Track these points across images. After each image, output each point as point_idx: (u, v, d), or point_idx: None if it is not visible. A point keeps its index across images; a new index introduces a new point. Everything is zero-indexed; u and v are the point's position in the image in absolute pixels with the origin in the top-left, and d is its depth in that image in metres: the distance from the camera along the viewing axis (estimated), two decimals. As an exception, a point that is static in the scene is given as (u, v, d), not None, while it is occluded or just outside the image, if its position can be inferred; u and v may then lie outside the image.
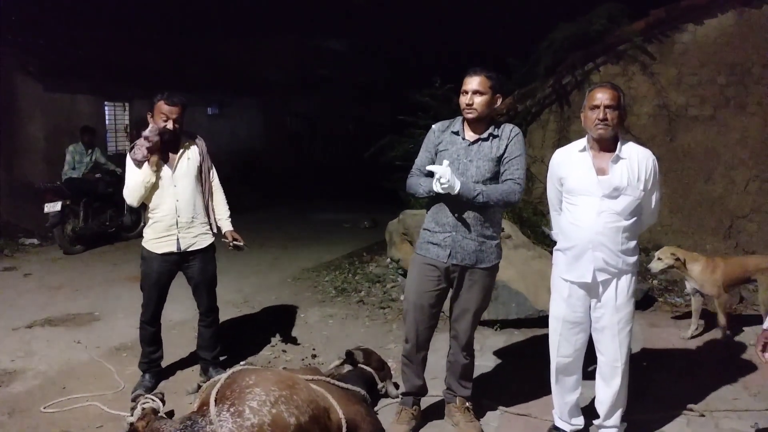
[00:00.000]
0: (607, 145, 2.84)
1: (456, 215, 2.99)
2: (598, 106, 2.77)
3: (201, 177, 3.72)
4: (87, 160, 8.10)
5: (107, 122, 11.05)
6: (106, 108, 11.03)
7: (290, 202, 13.20)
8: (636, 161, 2.83)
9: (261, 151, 15.45)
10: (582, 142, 2.93)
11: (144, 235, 3.73)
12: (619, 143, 2.84)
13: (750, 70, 6.21)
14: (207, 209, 3.77)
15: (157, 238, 3.64)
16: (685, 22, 6.43)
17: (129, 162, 3.58)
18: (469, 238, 3.00)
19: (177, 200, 3.61)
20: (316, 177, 16.05)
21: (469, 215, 2.98)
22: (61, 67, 9.92)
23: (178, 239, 3.63)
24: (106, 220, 8.25)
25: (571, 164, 2.92)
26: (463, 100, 2.97)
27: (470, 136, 3.03)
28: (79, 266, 7.09)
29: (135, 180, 3.52)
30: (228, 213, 3.90)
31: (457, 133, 3.06)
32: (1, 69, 9.19)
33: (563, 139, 6.55)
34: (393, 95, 9.92)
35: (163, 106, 3.47)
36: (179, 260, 3.68)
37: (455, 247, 3.01)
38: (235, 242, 3.83)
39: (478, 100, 2.95)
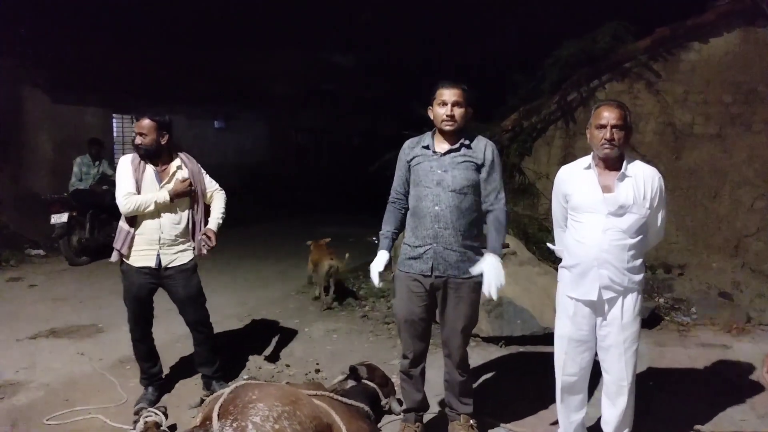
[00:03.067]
0: (612, 163, 2.84)
1: (436, 226, 2.99)
2: (604, 126, 2.76)
3: (189, 198, 3.70)
4: (94, 172, 8.14)
5: (115, 134, 11.14)
6: (114, 120, 11.13)
7: (296, 215, 13.22)
8: (642, 179, 2.82)
9: (267, 164, 15.52)
10: (587, 159, 2.93)
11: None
12: (625, 161, 2.83)
13: (756, 89, 6.21)
14: (192, 230, 3.73)
15: (137, 252, 3.61)
16: (691, 41, 6.45)
17: (126, 169, 3.60)
18: (450, 249, 3.00)
19: (161, 217, 3.60)
20: (321, 190, 16.09)
21: (449, 226, 2.99)
22: (69, 79, 10.00)
23: (158, 255, 3.61)
24: (112, 232, 8.25)
25: (576, 181, 2.92)
26: (443, 111, 2.98)
27: (441, 148, 3.05)
28: (84, 278, 7.10)
29: (146, 200, 3.53)
30: (219, 215, 3.78)
31: (427, 147, 3.08)
32: (10, 81, 9.28)
33: (569, 155, 6.56)
34: (398, 109, 9.96)
35: (137, 124, 3.58)
36: (158, 275, 3.65)
37: (437, 258, 3.00)
38: (205, 237, 3.64)
39: (459, 111, 2.98)
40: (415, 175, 3.09)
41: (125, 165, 3.63)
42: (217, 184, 3.89)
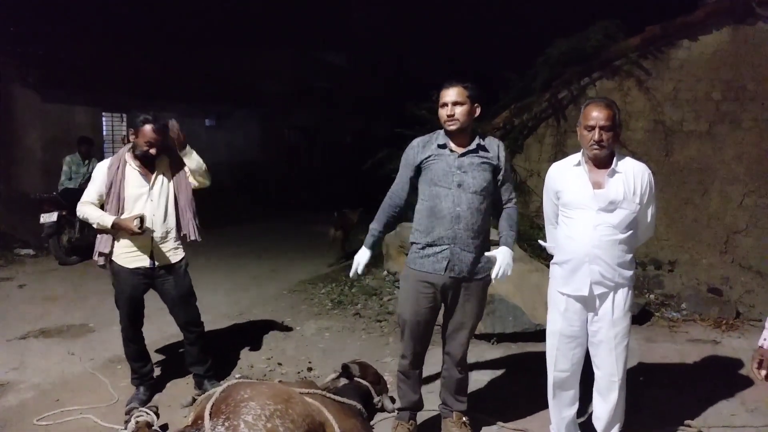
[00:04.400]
0: (602, 160, 2.85)
1: (456, 227, 2.99)
2: (593, 127, 2.77)
3: (175, 192, 3.68)
4: (84, 171, 8.08)
5: (104, 133, 11.08)
6: (104, 119, 11.06)
7: (288, 214, 13.19)
8: (632, 175, 2.84)
9: (259, 163, 15.47)
10: (577, 156, 2.94)
11: (114, 248, 3.63)
12: (615, 158, 2.85)
13: (745, 87, 6.25)
14: (179, 225, 3.70)
15: (128, 253, 3.59)
16: (681, 39, 6.48)
17: (98, 177, 3.57)
18: (467, 250, 3.00)
19: (153, 215, 3.58)
20: (314, 188, 16.07)
21: (468, 227, 2.99)
22: (59, 77, 9.95)
23: (152, 254, 3.60)
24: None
25: (566, 178, 2.93)
26: (444, 112, 2.99)
27: (458, 148, 3.03)
28: (74, 277, 7.05)
29: (93, 216, 3.54)
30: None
31: (443, 146, 3.04)
32: (0, 80, 9.21)
33: (559, 153, 6.58)
34: (391, 108, 9.99)
35: (149, 132, 3.47)
36: (151, 274, 3.63)
37: (453, 259, 3.00)
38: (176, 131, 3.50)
39: (460, 110, 2.96)
40: (430, 174, 3.04)
41: (99, 173, 3.60)
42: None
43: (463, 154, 3.01)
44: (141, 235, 3.48)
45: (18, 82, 9.41)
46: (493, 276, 3.02)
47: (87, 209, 3.58)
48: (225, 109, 14.49)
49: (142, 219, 3.47)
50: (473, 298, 3.08)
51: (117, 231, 3.54)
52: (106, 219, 3.51)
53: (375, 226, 3.20)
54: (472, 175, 2.99)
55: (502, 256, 3.02)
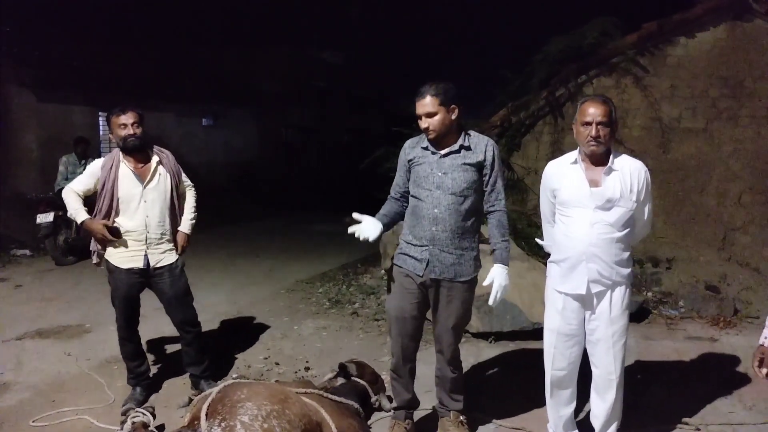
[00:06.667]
0: (599, 157, 2.84)
1: (433, 229, 2.98)
2: (590, 123, 2.76)
3: (171, 192, 3.67)
4: (80, 171, 7.98)
5: (101, 133, 11.04)
6: (101, 119, 11.02)
7: (285, 212, 13.18)
8: (628, 173, 2.83)
9: (256, 162, 15.46)
10: (574, 154, 2.92)
11: (109, 248, 3.62)
12: (611, 155, 2.84)
13: (742, 83, 6.25)
14: (174, 226, 3.71)
15: (123, 253, 3.58)
16: (678, 36, 6.48)
17: (91, 172, 3.62)
18: (446, 252, 2.99)
19: (147, 216, 3.57)
20: (311, 188, 16.06)
21: (447, 229, 2.97)
22: (55, 78, 9.92)
23: (146, 255, 3.58)
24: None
25: (563, 176, 2.92)
26: (421, 124, 2.97)
27: (441, 149, 3.02)
28: (70, 278, 7.04)
29: (71, 206, 3.57)
30: (191, 216, 3.84)
31: (426, 148, 3.05)
32: (-4, 80, 9.19)
33: (557, 150, 6.57)
34: (388, 106, 9.99)
35: (118, 119, 3.50)
36: (146, 274, 3.63)
37: (432, 260, 2.99)
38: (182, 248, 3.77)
39: (432, 121, 2.93)
40: (414, 175, 3.06)
41: (94, 169, 3.62)
42: (188, 180, 3.89)
43: (445, 155, 3.00)
44: (115, 240, 3.53)
45: (14, 82, 9.39)
46: (490, 303, 3.00)
47: (70, 197, 3.58)
48: (222, 109, 14.47)
49: (117, 232, 3.52)
50: (457, 299, 3.06)
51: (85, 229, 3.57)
52: (79, 215, 3.54)
53: (380, 213, 3.17)
54: (452, 177, 2.97)
55: (497, 280, 2.99)
